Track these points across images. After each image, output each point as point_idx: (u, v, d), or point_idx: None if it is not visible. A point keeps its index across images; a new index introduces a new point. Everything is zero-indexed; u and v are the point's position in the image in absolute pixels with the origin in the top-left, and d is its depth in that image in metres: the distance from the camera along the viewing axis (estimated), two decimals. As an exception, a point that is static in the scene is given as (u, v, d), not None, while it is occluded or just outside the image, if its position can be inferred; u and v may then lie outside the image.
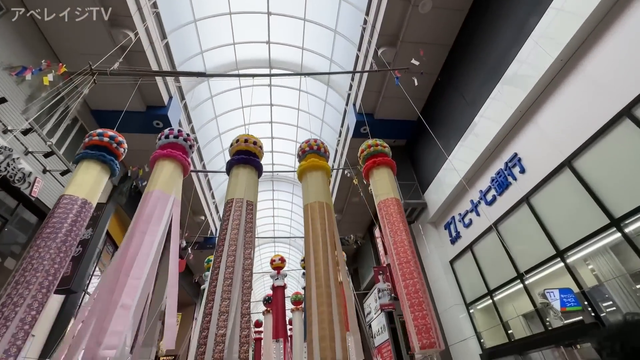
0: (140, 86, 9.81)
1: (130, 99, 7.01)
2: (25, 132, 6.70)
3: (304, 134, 17.09)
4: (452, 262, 9.40)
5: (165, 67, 10.25)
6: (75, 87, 6.31)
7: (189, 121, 13.12)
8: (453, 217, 9.28)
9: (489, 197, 7.68)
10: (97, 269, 10.92)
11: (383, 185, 5.27)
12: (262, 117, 16.97)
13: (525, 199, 6.57)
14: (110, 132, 5.35)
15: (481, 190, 7.95)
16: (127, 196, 10.87)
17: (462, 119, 8.42)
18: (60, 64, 6.21)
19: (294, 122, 17.02)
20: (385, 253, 11.55)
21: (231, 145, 5.38)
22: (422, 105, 10.46)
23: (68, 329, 3.95)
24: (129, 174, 10.74)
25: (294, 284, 28.73)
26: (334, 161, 14.96)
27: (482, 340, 8.13)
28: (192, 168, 12.98)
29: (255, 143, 5.49)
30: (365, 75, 10.03)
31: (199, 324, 3.49)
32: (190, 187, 13.89)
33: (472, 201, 8.36)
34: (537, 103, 6.26)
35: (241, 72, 14.16)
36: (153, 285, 3.84)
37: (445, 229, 9.67)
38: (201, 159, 15.03)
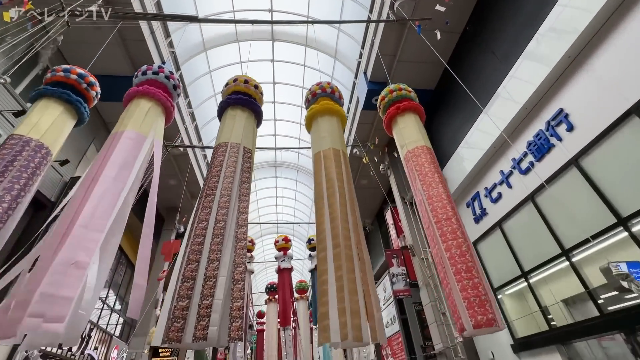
0: (128, 48, 8.88)
1: (107, 41, 6.03)
2: (-13, 84, 5.78)
3: (308, 115, 16.12)
4: (475, 243, 8.41)
5: (158, 30, 9.30)
6: (44, 28, 5.36)
7: (186, 95, 12.18)
8: (477, 193, 8.28)
9: (524, 165, 6.67)
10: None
11: (410, 133, 4.30)
12: (265, 98, 15.98)
13: (574, 161, 5.56)
14: (80, 70, 4.42)
15: (514, 159, 6.94)
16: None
17: (491, 79, 7.39)
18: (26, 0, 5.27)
19: (298, 103, 16.03)
20: (398, 236, 10.60)
21: (226, 84, 4.43)
22: (442, 69, 9.43)
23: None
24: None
25: (296, 275, 27.90)
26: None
27: (512, 329, 7.17)
28: (182, 130, 11.98)
29: (256, 87, 4.55)
30: (379, 37, 9.00)
31: (172, 291, 2.55)
32: (187, 168, 13.00)
33: (502, 172, 7.35)
34: (594, 43, 5.24)
35: (241, 43, 13.19)
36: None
37: (468, 207, 8.68)
38: (199, 139, 14.11)
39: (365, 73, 10.31)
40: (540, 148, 6.22)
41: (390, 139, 12.04)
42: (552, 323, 6.17)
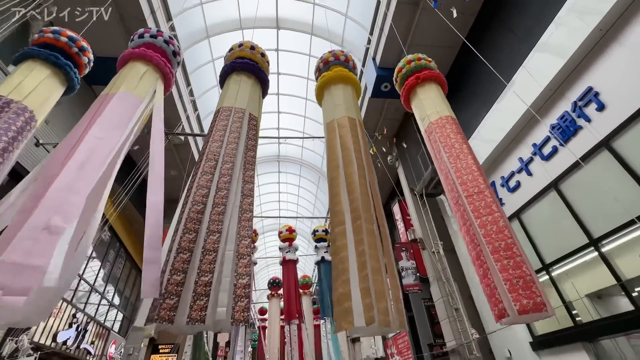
0: (127, 27, 8.52)
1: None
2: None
3: (314, 107, 15.74)
4: (490, 235, 7.98)
5: (159, 10, 8.94)
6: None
7: (187, 83, 11.81)
8: (493, 183, 7.85)
9: (547, 150, 6.25)
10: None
11: (432, 103, 3.89)
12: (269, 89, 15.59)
13: (605, 143, 5.14)
14: (71, 33, 4.04)
15: (535, 144, 6.52)
16: (115, 160, 9.59)
17: (510, 61, 6.97)
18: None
19: (302, 95, 15.66)
20: (407, 230, 10.18)
21: (231, 49, 4.04)
22: (456, 54, 9.03)
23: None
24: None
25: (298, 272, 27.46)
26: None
27: (531, 326, 6.74)
28: (183, 101, 11.53)
29: (263, 55, 4.15)
30: (389, 20, 8.61)
31: (164, 262, 2.15)
32: (188, 158, 12.65)
33: (520, 159, 6.93)
34: (628, 14, 4.81)
35: (245, 31, 12.80)
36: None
37: (482, 197, 8.25)
38: (201, 129, 13.74)
39: (374, 59, 9.91)
40: (566, 131, 5.79)
41: (399, 129, 11.63)
42: (577, 319, 5.75)
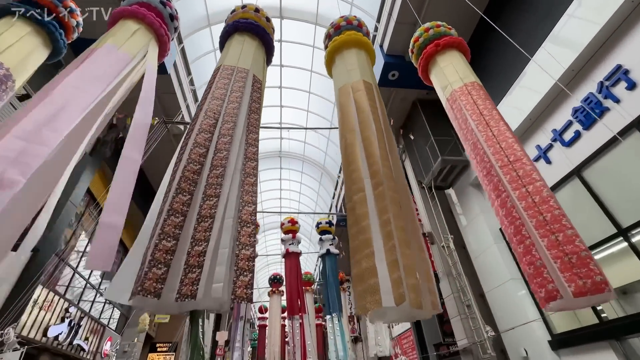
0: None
1: None
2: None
3: (316, 101, 15.39)
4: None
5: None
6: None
7: (188, 72, 11.45)
8: (507, 173, 7.47)
9: (568, 135, 5.86)
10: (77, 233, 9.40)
11: (455, 70, 3.52)
12: (270, 82, 15.26)
13: (637, 124, 4.76)
14: (57, -8, 3.66)
15: (555, 130, 6.14)
16: (112, 149, 9.23)
17: (529, 42, 6.59)
18: None
19: (305, 88, 15.32)
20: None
21: (233, 11, 3.67)
22: (469, 38, 8.65)
23: None
24: (114, 122, 9.11)
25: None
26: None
27: (549, 323, 6.35)
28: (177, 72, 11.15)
29: (268, 20, 3.79)
30: (398, 4, 8.25)
31: (152, 226, 1.78)
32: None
33: (538, 147, 6.55)
34: (666, -19, 4.45)
35: (248, 19, 12.48)
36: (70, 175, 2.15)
37: (495, 189, 7.86)
38: (202, 121, 13.41)
39: (381, 46, 9.55)
40: (590, 114, 5.41)
41: (406, 120, 11.24)
42: (602, 315, 5.36)
